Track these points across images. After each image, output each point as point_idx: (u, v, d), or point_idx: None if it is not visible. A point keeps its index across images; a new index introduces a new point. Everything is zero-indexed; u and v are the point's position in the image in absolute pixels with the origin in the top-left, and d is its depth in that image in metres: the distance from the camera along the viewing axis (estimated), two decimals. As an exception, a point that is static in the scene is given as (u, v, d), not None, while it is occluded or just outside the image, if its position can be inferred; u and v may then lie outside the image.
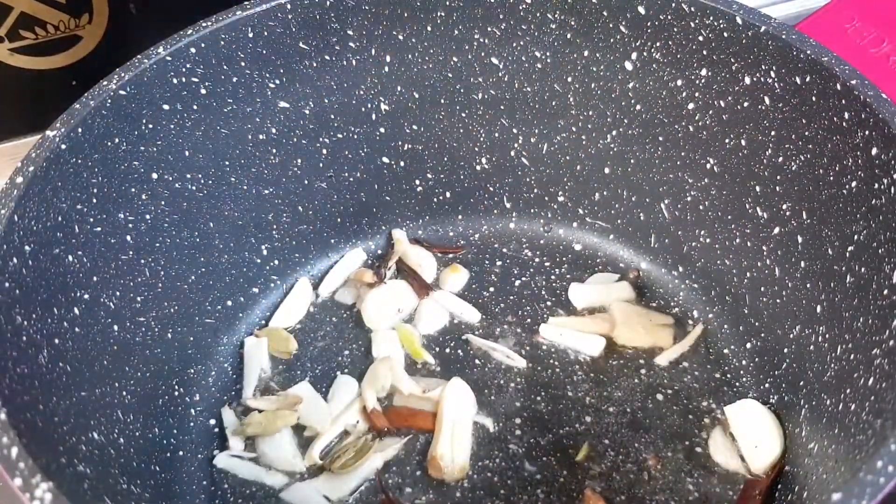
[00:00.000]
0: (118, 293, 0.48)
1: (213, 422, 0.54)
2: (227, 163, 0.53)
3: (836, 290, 0.46)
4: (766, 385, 0.53)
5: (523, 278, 0.61)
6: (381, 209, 0.62)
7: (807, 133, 0.46)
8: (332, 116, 0.56)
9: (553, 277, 0.61)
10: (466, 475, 0.50)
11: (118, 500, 0.42)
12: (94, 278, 0.46)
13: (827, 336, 0.47)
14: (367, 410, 0.52)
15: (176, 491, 0.50)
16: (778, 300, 0.52)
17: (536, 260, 0.62)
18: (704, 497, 0.48)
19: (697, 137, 0.53)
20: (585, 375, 0.55)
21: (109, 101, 0.45)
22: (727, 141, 0.52)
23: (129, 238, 0.48)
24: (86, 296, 0.45)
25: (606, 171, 0.59)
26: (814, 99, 0.45)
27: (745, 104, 0.49)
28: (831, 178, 0.45)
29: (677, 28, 0.50)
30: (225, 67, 0.50)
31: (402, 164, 0.60)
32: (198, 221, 0.53)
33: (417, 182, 0.62)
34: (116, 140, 0.46)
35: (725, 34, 0.48)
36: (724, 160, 0.53)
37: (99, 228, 0.46)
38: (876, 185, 0.42)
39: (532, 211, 0.63)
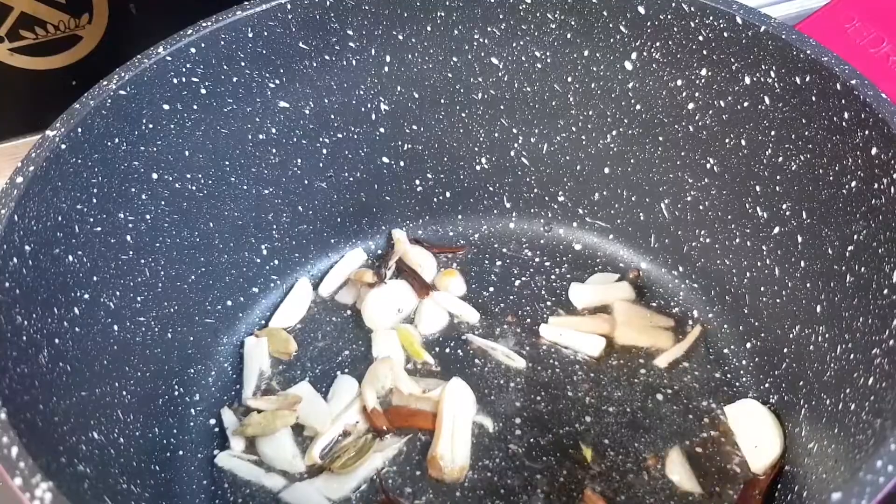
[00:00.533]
0: (118, 293, 0.48)
1: (213, 422, 0.54)
2: (227, 163, 0.53)
3: (836, 290, 0.46)
4: (766, 385, 0.53)
5: (523, 278, 0.61)
6: (381, 209, 0.62)
7: (807, 133, 0.46)
8: (332, 116, 0.56)
9: (553, 277, 0.61)
10: (466, 475, 0.50)
11: (118, 500, 0.42)
12: (94, 278, 0.46)
13: (827, 336, 0.47)
14: (367, 410, 0.52)
15: (176, 491, 0.50)
16: (778, 300, 0.52)
17: (536, 260, 0.62)
18: (704, 497, 0.48)
19: (697, 137, 0.53)
20: (585, 375, 0.55)
21: (109, 101, 0.45)
22: (727, 141, 0.52)
23: (129, 238, 0.48)
24: (86, 296, 0.45)
25: (606, 171, 0.59)
26: (814, 99, 0.45)
27: (745, 104, 0.49)
28: (831, 178, 0.45)
29: (677, 28, 0.50)
30: (225, 67, 0.50)
31: (402, 164, 0.60)
32: (198, 221, 0.53)
33: (417, 182, 0.62)
34: (116, 140, 0.46)
35: (725, 34, 0.48)
36: (724, 160, 0.53)
37: (99, 228, 0.46)
38: (876, 185, 0.42)
39: (532, 211, 0.63)
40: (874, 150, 0.42)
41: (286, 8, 0.51)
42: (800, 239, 0.49)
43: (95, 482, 0.40)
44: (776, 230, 0.51)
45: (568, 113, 0.57)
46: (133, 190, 0.48)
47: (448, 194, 0.63)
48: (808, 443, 0.47)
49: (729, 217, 0.54)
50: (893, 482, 0.30)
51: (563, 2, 0.52)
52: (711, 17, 0.48)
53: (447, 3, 0.53)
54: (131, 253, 0.49)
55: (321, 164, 0.58)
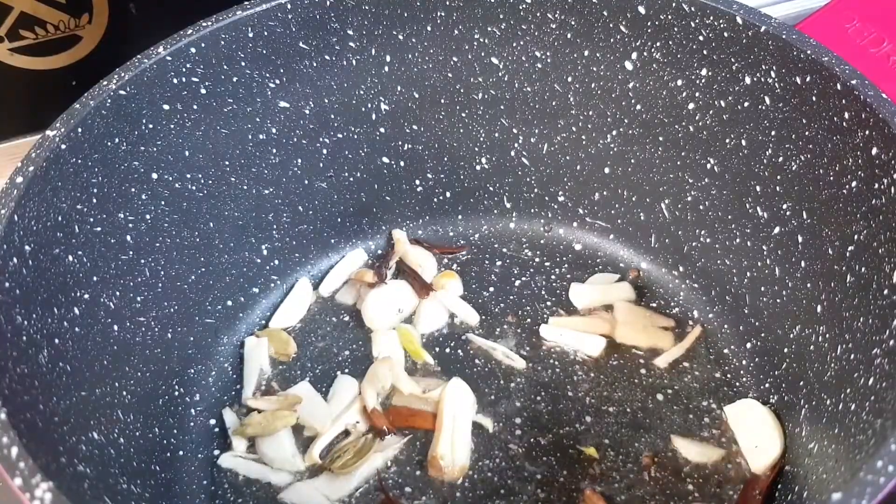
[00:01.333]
0: (118, 293, 0.48)
1: (213, 422, 0.54)
2: (227, 163, 0.53)
3: (836, 290, 0.46)
4: (766, 385, 0.53)
5: (523, 278, 0.61)
6: (381, 209, 0.62)
7: (807, 133, 0.46)
8: (332, 116, 0.56)
9: (553, 277, 0.61)
10: (466, 475, 0.50)
11: (118, 500, 0.42)
12: (94, 278, 0.46)
13: (827, 336, 0.47)
14: (368, 410, 0.52)
15: (176, 491, 0.50)
16: (778, 300, 0.52)
17: (536, 260, 0.62)
18: (704, 497, 0.48)
19: (697, 137, 0.53)
20: (585, 375, 0.55)
21: (109, 101, 0.45)
22: (727, 141, 0.52)
23: (129, 238, 0.48)
24: (86, 296, 0.45)
25: (606, 171, 0.59)
26: (814, 99, 0.45)
27: (745, 104, 0.49)
28: (831, 178, 0.45)
29: (677, 28, 0.50)
30: (225, 67, 0.50)
31: (402, 164, 0.60)
32: (198, 221, 0.53)
33: (417, 182, 0.62)
34: (116, 140, 0.46)
35: (725, 34, 0.48)
36: (724, 160, 0.53)
37: (99, 228, 0.46)
38: (876, 185, 0.42)
39: (532, 211, 0.63)
40: (874, 151, 0.42)
41: (286, 8, 0.51)
42: (800, 239, 0.49)
43: (95, 482, 0.40)
44: (776, 230, 0.51)
45: (568, 113, 0.57)
46: (133, 190, 0.48)
47: (448, 194, 0.63)
48: (809, 443, 0.47)
49: (729, 217, 0.54)
50: (894, 482, 0.30)
51: (564, 2, 0.52)
52: (711, 17, 0.48)
53: (447, 3, 0.53)
54: (131, 253, 0.49)
55: (321, 164, 0.58)
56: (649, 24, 0.51)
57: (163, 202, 0.50)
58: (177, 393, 0.53)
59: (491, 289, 0.60)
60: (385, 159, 0.60)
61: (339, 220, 0.61)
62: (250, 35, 0.50)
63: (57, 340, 0.42)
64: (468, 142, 0.60)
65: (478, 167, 0.61)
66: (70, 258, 0.44)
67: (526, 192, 0.62)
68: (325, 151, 0.57)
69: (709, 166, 0.54)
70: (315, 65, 0.53)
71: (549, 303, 0.59)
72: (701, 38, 0.49)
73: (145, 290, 0.50)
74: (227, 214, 0.55)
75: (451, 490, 0.49)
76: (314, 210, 0.60)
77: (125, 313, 0.48)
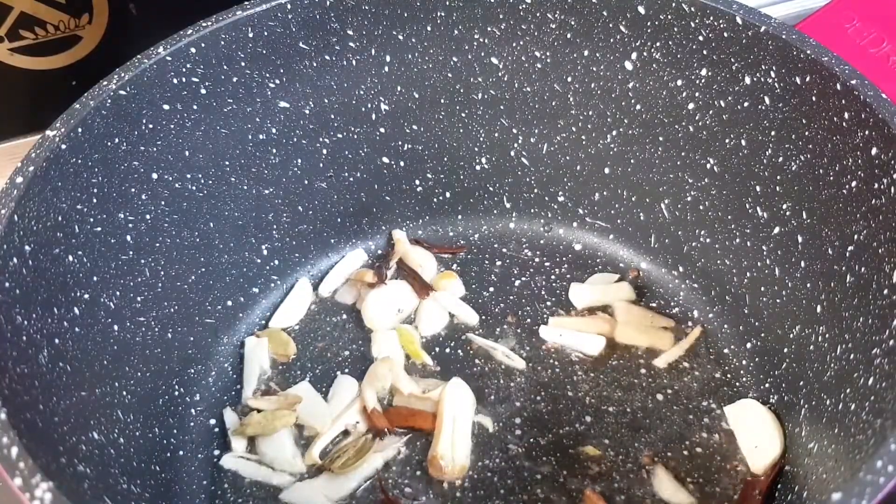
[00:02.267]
0: (118, 293, 0.48)
1: (213, 422, 0.54)
2: (227, 163, 0.53)
3: (836, 290, 0.46)
4: (766, 385, 0.53)
5: (523, 278, 0.61)
6: (381, 209, 0.62)
7: (807, 133, 0.46)
8: (332, 116, 0.56)
9: (553, 277, 0.61)
10: (466, 475, 0.50)
11: (118, 500, 0.42)
12: (94, 278, 0.46)
13: (827, 336, 0.47)
14: (367, 410, 0.52)
15: (176, 491, 0.50)
16: (778, 300, 0.52)
17: (536, 260, 0.62)
18: (704, 497, 0.48)
19: (697, 137, 0.53)
20: (585, 375, 0.55)
21: (109, 101, 0.45)
22: (727, 141, 0.52)
23: (129, 238, 0.48)
24: (86, 296, 0.45)
25: (606, 171, 0.59)
26: (814, 99, 0.45)
27: (745, 104, 0.49)
28: (831, 178, 0.45)
29: (677, 28, 0.50)
30: (225, 67, 0.50)
31: (402, 164, 0.60)
32: (198, 221, 0.53)
33: (417, 182, 0.62)
34: (116, 140, 0.46)
35: (725, 34, 0.48)
36: (724, 160, 0.53)
37: (99, 228, 0.46)
38: (876, 185, 0.42)
39: (532, 211, 0.63)
40: (874, 151, 0.42)
41: (286, 8, 0.51)
42: (800, 239, 0.49)
43: (95, 482, 0.40)
44: (776, 230, 0.51)
45: (568, 113, 0.57)
46: (133, 190, 0.48)
47: (448, 194, 0.63)
48: (808, 443, 0.47)
49: (729, 217, 0.54)
50: (893, 482, 0.30)
51: (563, 2, 0.52)
52: (711, 17, 0.48)
53: (447, 3, 0.53)
54: (131, 253, 0.49)
55: (321, 164, 0.58)
56: (649, 24, 0.51)
57: (163, 202, 0.50)
58: (177, 393, 0.53)
59: (491, 289, 0.60)
60: (385, 159, 0.60)
61: (339, 220, 0.61)
62: (250, 35, 0.50)
63: (57, 340, 0.42)
64: (468, 142, 0.60)
65: (478, 167, 0.61)
66: (70, 258, 0.44)
67: (526, 192, 0.62)
68: (325, 151, 0.57)
69: (709, 166, 0.54)
70: (315, 65, 0.53)
71: (549, 303, 0.59)
72: (701, 38, 0.49)
73: (145, 290, 0.50)
74: (227, 214, 0.55)
75: (451, 490, 0.49)
76: (314, 210, 0.60)
77: (125, 313, 0.48)
